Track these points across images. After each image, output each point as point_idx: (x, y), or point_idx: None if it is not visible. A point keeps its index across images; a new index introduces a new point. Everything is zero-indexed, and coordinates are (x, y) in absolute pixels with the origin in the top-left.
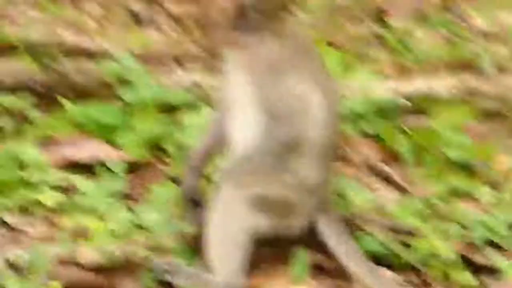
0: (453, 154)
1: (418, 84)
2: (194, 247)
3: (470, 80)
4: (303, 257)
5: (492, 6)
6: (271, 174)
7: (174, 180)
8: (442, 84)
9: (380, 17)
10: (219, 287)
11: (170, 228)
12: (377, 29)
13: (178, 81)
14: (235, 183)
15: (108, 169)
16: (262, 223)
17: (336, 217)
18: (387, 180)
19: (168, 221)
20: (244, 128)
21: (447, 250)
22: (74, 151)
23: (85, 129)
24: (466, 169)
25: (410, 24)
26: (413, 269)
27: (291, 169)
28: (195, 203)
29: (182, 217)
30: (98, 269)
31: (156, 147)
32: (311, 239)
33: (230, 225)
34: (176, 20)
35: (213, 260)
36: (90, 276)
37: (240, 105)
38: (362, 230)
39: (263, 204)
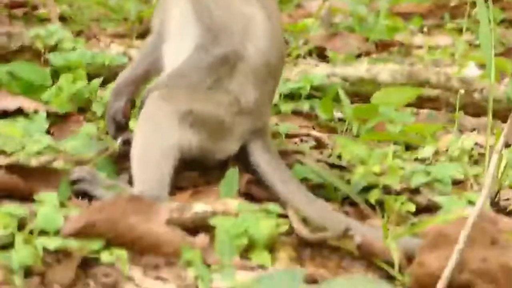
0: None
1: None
2: (116, 164)
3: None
4: (233, 177)
5: None
6: (205, 91)
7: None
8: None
9: None
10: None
11: (92, 148)
12: None
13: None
14: (166, 95)
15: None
16: (192, 140)
17: (270, 143)
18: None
19: (90, 144)
20: (180, 43)
21: (386, 179)
22: None
23: (8, 87)
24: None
25: None
26: (350, 202)
27: (226, 87)
28: (119, 127)
29: (105, 138)
30: (14, 171)
31: (81, 105)
32: (241, 165)
33: (156, 136)
34: None
35: (135, 172)
36: (4, 176)
37: (177, 20)
38: (297, 161)
39: (193, 120)
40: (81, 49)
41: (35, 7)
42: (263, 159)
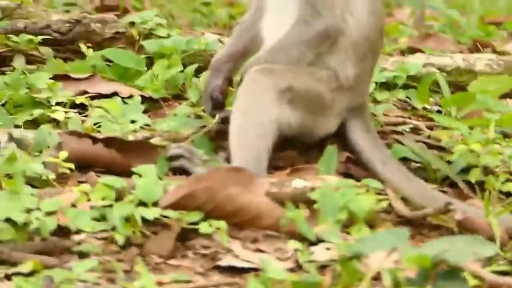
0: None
1: None
2: (213, 142)
3: None
4: (332, 155)
5: None
6: (304, 66)
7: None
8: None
9: None
10: None
11: (189, 126)
12: None
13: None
14: (264, 70)
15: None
16: (291, 116)
17: (369, 121)
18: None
19: (187, 122)
20: (280, 17)
21: (485, 159)
22: (91, 86)
23: (103, 73)
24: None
25: None
26: (449, 182)
27: (326, 62)
28: (216, 104)
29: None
30: (112, 145)
31: (176, 91)
32: (340, 143)
33: (255, 112)
34: None
35: (233, 148)
36: (102, 150)
37: None
38: (396, 141)
39: (293, 96)
40: (175, 36)
41: (126, 10)
42: (362, 138)
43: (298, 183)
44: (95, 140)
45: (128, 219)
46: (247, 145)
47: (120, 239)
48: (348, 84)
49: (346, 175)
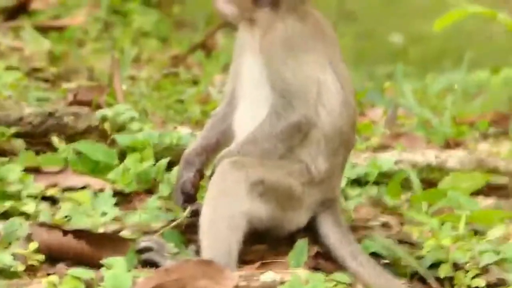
0: None
1: None
2: (184, 236)
3: None
4: (302, 249)
5: None
6: (276, 160)
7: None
8: None
9: None
10: None
11: (160, 219)
12: None
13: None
14: (236, 163)
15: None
16: (261, 210)
17: (340, 216)
18: None
19: (157, 215)
20: (252, 109)
21: (455, 255)
22: (62, 179)
23: (75, 166)
24: None
25: None
26: (419, 278)
27: (298, 156)
28: (187, 198)
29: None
30: (82, 237)
31: (148, 186)
32: (310, 237)
33: (225, 206)
34: None
35: (204, 241)
36: (72, 242)
37: (250, 85)
38: (365, 236)
39: (264, 190)
40: (148, 130)
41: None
42: (332, 232)
43: (267, 276)
44: (65, 232)
45: None
46: (217, 238)
47: None
48: (320, 178)
49: (316, 269)
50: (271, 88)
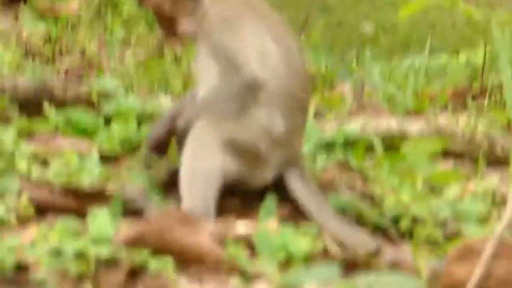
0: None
1: None
2: (165, 192)
3: None
4: (271, 203)
5: None
6: (237, 120)
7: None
8: None
9: None
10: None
11: (142, 177)
12: None
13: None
14: (212, 122)
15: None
16: (233, 166)
17: (305, 171)
18: None
19: (139, 174)
20: (206, 85)
21: (415, 209)
22: (53, 143)
23: (64, 131)
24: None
25: None
26: (381, 231)
27: (254, 116)
28: (158, 150)
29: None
30: (69, 194)
31: (131, 150)
32: (281, 193)
33: (202, 161)
34: None
35: (184, 192)
36: (60, 199)
37: (202, 66)
38: (331, 191)
39: (233, 146)
40: (132, 99)
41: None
42: (298, 186)
43: (239, 227)
44: (52, 190)
45: (82, 256)
46: (195, 191)
47: (74, 273)
48: (280, 137)
49: (286, 222)
50: (216, 61)
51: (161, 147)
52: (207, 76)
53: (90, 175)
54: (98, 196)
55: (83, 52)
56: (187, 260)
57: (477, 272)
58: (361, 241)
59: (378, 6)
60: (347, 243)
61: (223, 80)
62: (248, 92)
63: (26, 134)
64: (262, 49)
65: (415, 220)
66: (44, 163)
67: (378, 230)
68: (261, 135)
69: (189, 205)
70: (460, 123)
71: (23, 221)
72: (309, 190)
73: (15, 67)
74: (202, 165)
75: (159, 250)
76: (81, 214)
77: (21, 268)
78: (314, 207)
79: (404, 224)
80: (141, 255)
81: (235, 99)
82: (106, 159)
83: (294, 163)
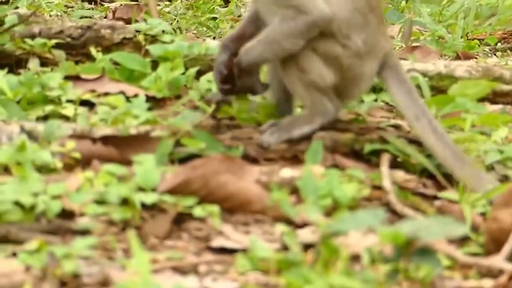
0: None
1: None
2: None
3: None
4: (317, 148)
5: None
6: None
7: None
8: None
9: None
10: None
11: (191, 118)
12: None
13: None
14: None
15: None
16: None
17: (402, 72)
18: None
19: (188, 116)
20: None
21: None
22: (99, 86)
23: (111, 75)
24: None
25: None
26: (428, 175)
27: (329, 45)
28: (224, 79)
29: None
30: (110, 142)
31: (178, 92)
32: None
33: (308, 73)
34: None
35: (303, 96)
36: (102, 149)
37: (265, 13)
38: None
39: (334, 62)
40: (178, 42)
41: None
42: (398, 91)
43: (285, 172)
44: (94, 140)
45: (127, 203)
46: (312, 96)
47: (119, 220)
48: (361, 50)
49: (333, 166)
50: (277, 7)
51: (223, 72)
52: (269, 15)
53: (137, 119)
54: (142, 141)
55: None
56: (233, 208)
57: None
58: (459, 157)
59: None
60: (438, 157)
61: (288, 18)
62: (316, 29)
63: (73, 78)
64: None
65: None
66: (91, 107)
67: (425, 173)
68: (343, 55)
69: (310, 110)
70: (510, 65)
71: (68, 168)
72: (407, 97)
73: (62, 9)
74: (311, 78)
75: (204, 197)
76: (124, 162)
77: (66, 216)
78: (412, 115)
79: None
80: (186, 202)
81: (302, 37)
82: (154, 101)
83: (391, 65)
